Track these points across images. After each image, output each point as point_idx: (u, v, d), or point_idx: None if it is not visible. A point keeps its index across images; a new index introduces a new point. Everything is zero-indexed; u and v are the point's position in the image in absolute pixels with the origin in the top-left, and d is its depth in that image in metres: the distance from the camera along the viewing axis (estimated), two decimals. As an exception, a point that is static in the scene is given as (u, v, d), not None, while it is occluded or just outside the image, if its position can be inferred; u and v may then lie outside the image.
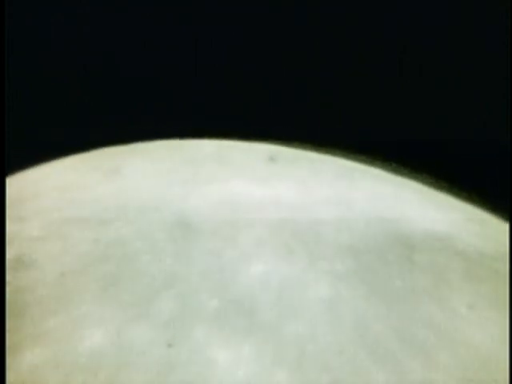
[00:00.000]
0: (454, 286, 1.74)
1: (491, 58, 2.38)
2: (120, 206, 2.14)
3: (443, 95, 2.53)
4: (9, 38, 2.11)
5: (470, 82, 2.44)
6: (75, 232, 1.97)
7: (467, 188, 2.19)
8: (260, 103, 2.75)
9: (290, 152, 2.64)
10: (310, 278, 1.76)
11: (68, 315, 1.55)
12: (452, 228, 2.05)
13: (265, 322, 1.55)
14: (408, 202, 2.25)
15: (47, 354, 1.41)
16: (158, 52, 2.68)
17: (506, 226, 2.03)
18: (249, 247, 1.94)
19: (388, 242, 1.96)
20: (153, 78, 2.71)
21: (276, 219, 2.12)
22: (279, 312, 1.59)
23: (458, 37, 2.45)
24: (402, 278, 1.76)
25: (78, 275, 1.74)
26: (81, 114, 2.57)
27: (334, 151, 2.49)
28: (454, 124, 2.47)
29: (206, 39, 2.69)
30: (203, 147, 2.71)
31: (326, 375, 1.36)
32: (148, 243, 1.93)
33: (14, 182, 2.24)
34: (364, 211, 2.17)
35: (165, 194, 2.27)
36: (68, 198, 2.19)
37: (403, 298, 1.65)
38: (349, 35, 2.55)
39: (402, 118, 2.54)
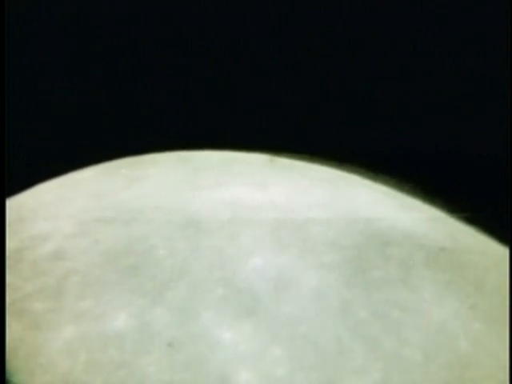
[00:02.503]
0: (419, 275, 1.94)
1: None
2: (139, 208, 2.31)
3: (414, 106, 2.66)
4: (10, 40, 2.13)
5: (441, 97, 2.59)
6: (102, 230, 2.15)
7: (430, 191, 2.38)
8: (258, 117, 2.92)
9: (285, 161, 2.73)
10: (301, 269, 1.92)
11: (97, 300, 1.75)
12: (415, 225, 2.26)
13: (262, 306, 1.71)
14: (381, 204, 2.44)
15: (80, 331, 1.62)
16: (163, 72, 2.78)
17: (459, 223, 2.25)
18: (249, 243, 2.08)
19: (366, 238, 2.14)
20: (157, 97, 2.83)
21: (272, 219, 2.26)
22: (275, 298, 1.75)
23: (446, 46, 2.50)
24: (378, 269, 1.95)
25: (105, 266, 1.93)
26: (107, 130, 2.74)
27: (322, 161, 2.64)
28: (424, 135, 2.63)
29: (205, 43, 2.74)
30: (208, 157, 2.80)
31: (313, 350, 1.55)
32: (163, 240, 2.09)
33: (48, 187, 2.42)
34: (346, 212, 2.34)
35: (176, 198, 2.42)
36: (95, 202, 2.35)
37: (380, 286, 1.85)
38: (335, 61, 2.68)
39: (373, 135, 2.69)
